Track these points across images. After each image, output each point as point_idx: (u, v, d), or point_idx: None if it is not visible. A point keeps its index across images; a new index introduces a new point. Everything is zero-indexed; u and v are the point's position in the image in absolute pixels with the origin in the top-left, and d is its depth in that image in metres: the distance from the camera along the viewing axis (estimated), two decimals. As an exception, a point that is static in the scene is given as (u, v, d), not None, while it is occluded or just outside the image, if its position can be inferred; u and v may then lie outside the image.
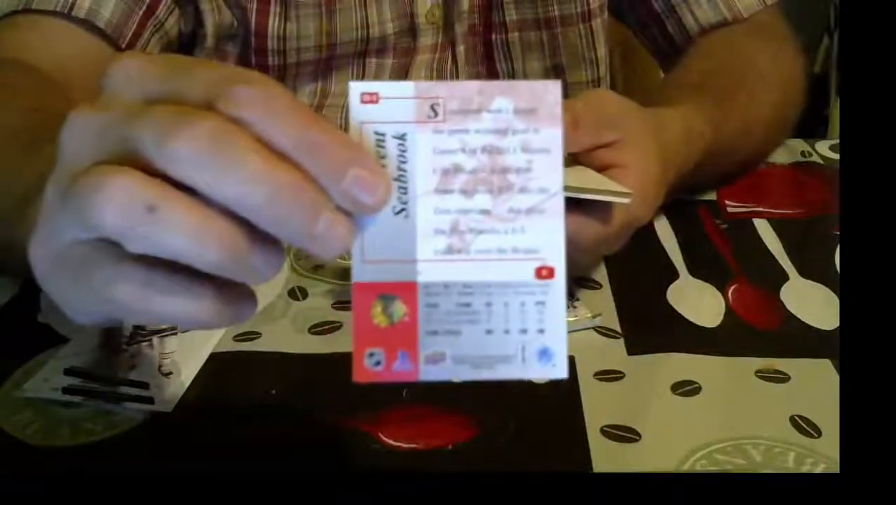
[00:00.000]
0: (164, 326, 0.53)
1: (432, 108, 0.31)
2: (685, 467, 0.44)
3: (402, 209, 0.31)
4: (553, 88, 0.31)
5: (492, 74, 0.84)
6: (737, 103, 0.68)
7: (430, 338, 0.31)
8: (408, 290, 0.31)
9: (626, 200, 0.48)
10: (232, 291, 0.31)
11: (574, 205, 0.44)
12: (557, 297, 0.31)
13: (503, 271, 0.31)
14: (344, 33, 0.76)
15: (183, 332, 0.53)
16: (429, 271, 0.31)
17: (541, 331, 0.31)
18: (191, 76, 0.30)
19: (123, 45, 0.70)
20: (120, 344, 0.52)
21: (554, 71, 0.85)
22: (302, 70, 0.77)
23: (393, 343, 0.31)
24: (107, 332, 0.53)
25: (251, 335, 0.53)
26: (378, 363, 0.32)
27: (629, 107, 0.54)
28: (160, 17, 0.72)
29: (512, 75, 0.84)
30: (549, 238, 0.31)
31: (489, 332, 0.32)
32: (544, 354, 0.32)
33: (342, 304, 0.56)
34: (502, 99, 0.31)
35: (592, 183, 0.48)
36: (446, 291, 0.31)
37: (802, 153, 0.78)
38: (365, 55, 0.78)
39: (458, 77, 0.82)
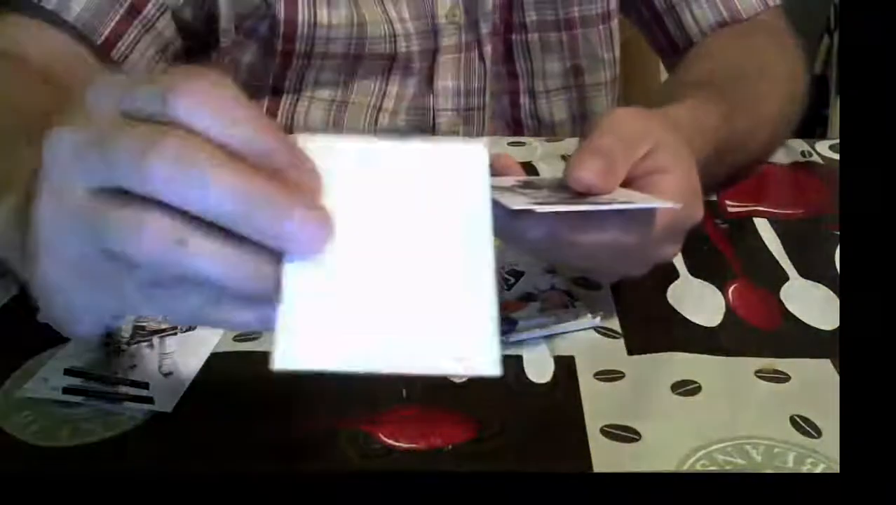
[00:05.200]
0: (164, 326, 0.53)
1: None
2: (685, 467, 0.44)
3: None
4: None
5: (511, 75, 0.84)
6: (744, 99, 0.67)
7: None
8: None
9: (672, 205, 0.46)
10: None
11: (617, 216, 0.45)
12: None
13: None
14: (372, 26, 0.76)
15: (183, 332, 0.53)
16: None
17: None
18: (140, 90, 0.32)
19: (101, 43, 0.69)
20: (120, 344, 0.52)
21: (573, 72, 0.86)
22: (328, 63, 0.77)
23: None
24: (107, 332, 0.53)
25: (251, 335, 0.53)
26: None
27: (645, 114, 0.52)
28: (149, 17, 0.72)
29: (531, 76, 0.84)
30: None
31: None
32: None
33: (342, 304, 0.56)
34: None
35: (636, 197, 0.47)
36: None
37: (802, 153, 0.78)
38: (394, 58, 0.79)
39: (485, 77, 0.82)
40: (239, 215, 0.31)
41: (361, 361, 0.32)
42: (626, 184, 0.48)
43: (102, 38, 0.70)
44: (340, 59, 0.78)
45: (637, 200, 0.46)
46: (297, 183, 0.32)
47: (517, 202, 0.43)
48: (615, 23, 0.85)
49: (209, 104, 0.31)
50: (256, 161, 0.31)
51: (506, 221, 0.43)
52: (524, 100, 0.86)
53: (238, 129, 0.31)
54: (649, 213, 0.47)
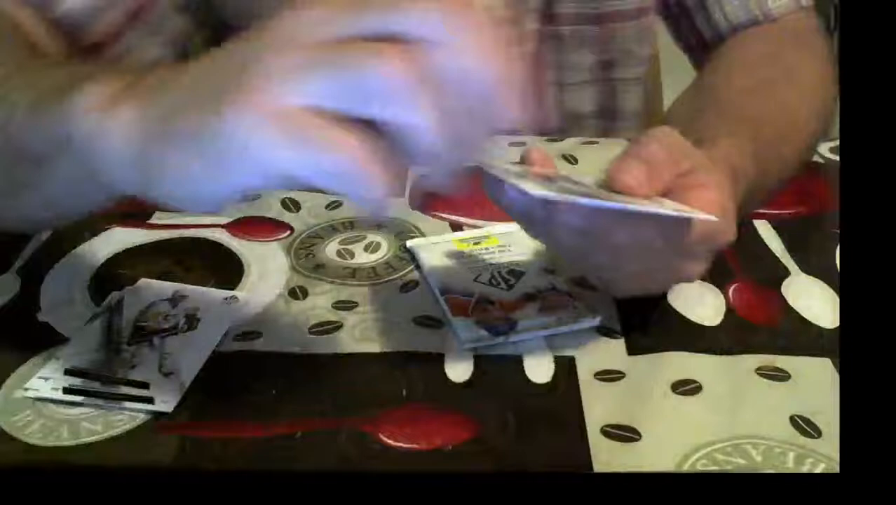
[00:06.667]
0: (164, 326, 0.53)
1: None
2: (685, 467, 0.44)
3: None
4: None
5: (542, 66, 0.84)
6: (776, 125, 0.66)
7: None
8: None
9: (711, 217, 0.47)
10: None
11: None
12: None
13: None
14: None
15: (183, 332, 0.53)
16: None
17: None
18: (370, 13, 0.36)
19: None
20: (120, 344, 0.52)
21: (603, 66, 0.85)
22: None
23: None
24: (107, 332, 0.53)
25: (251, 335, 0.53)
26: None
27: (691, 146, 0.52)
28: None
29: (560, 68, 0.85)
30: None
31: None
32: None
33: (342, 304, 0.56)
34: None
35: (676, 206, 0.47)
36: None
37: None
38: None
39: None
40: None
41: None
42: (665, 195, 0.48)
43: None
44: None
45: (677, 209, 0.46)
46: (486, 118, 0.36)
47: (560, 194, 0.44)
48: (649, 19, 0.85)
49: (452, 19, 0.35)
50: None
51: (543, 209, 0.46)
52: (551, 91, 0.85)
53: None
54: (686, 222, 0.47)
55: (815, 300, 0.57)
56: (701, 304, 0.57)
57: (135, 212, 0.66)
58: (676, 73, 0.88)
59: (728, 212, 0.50)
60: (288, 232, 0.64)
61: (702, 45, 0.82)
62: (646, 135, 0.50)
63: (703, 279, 0.59)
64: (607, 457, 0.45)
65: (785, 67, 0.73)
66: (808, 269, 0.60)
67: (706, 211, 0.47)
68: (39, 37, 0.64)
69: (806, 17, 0.79)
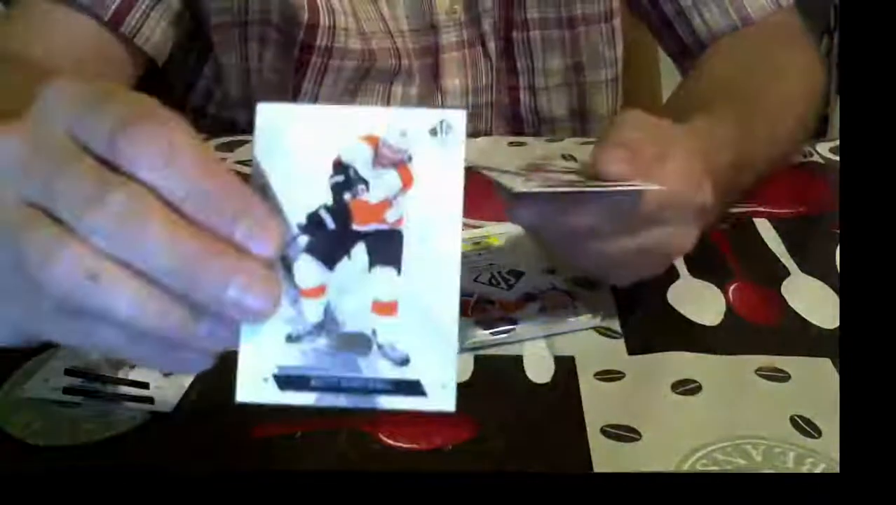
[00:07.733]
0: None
1: None
2: (685, 467, 0.44)
3: None
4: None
5: (511, 71, 0.84)
6: (762, 106, 0.67)
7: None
8: None
9: (654, 187, 0.46)
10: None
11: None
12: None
13: None
14: (368, 23, 0.76)
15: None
16: None
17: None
18: (88, 121, 0.31)
19: (110, 18, 0.72)
20: (120, 344, 0.52)
21: (574, 69, 0.85)
22: (340, 76, 0.77)
23: None
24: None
25: (251, 335, 0.53)
26: None
27: (664, 123, 0.53)
28: None
29: (532, 73, 0.84)
30: None
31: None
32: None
33: (342, 304, 0.56)
34: None
35: (621, 184, 0.47)
36: None
37: (803, 153, 0.78)
38: (399, 62, 0.78)
39: (492, 74, 0.83)
40: (179, 280, 0.30)
41: (318, 396, 0.32)
42: None
43: (111, 12, 0.71)
44: (351, 73, 0.78)
45: (621, 186, 0.46)
46: (250, 235, 0.30)
47: (514, 184, 0.45)
48: (618, 21, 0.85)
49: (154, 154, 0.30)
50: (203, 214, 0.30)
51: (505, 202, 0.46)
52: (524, 96, 0.86)
53: (183, 182, 0.30)
54: (633, 196, 0.47)
55: (815, 300, 0.57)
56: (701, 304, 0.57)
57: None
58: (677, 74, 0.87)
59: (689, 178, 0.50)
60: (288, 232, 0.64)
61: (685, 52, 0.82)
62: (619, 122, 0.50)
63: (704, 279, 0.59)
64: (607, 457, 0.45)
65: (768, 60, 0.74)
66: (808, 269, 0.60)
67: (666, 180, 0.47)
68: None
69: (788, 16, 0.80)
